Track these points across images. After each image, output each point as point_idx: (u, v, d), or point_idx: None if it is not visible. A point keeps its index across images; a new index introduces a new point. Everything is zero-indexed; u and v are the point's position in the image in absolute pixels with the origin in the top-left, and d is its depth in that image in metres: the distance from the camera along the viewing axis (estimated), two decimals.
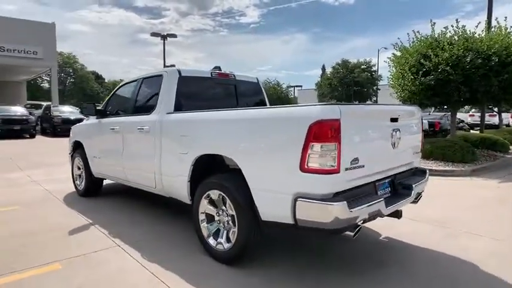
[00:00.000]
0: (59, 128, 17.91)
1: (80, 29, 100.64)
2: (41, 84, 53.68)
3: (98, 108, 5.19)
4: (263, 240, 3.59)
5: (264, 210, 2.84)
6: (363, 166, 2.70)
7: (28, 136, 17.34)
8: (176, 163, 3.67)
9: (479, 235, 4.04)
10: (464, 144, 9.17)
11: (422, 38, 10.07)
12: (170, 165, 3.78)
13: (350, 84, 41.74)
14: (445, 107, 10.50)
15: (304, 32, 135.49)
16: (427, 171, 3.81)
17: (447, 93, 9.17)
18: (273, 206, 2.77)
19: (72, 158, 6.05)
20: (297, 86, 53.73)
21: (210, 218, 3.38)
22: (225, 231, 3.23)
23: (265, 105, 5.08)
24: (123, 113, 4.84)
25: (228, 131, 3.12)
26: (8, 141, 15.51)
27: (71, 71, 58.09)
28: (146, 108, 4.30)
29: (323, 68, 59.03)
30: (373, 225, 4.23)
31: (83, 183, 5.76)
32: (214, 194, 3.24)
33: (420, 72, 9.31)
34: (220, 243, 3.23)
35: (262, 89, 5.22)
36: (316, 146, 2.47)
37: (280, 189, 2.69)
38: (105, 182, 5.98)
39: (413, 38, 10.30)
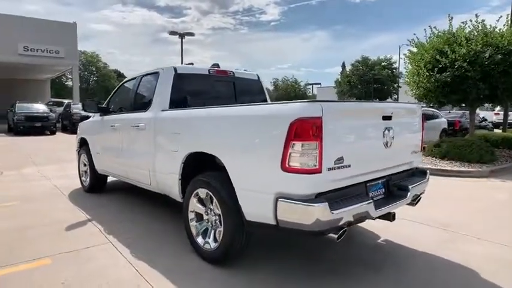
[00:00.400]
0: (77, 125, 18.36)
1: (104, 28, 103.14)
2: (65, 83, 55.36)
3: (100, 105, 5.25)
4: (254, 241, 3.53)
5: (247, 210, 2.77)
6: (349, 166, 2.58)
7: (49, 133, 17.90)
8: (168, 160, 3.65)
9: (482, 240, 3.82)
10: (483, 143, 8.78)
11: (439, 33, 9.68)
12: (163, 162, 3.76)
13: (370, 82, 40.85)
14: (463, 104, 10.07)
15: (325, 29, 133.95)
16: (428, 172, 3.63)
17: (464, 91, 8.79)
18: (255, 206, 2.69)
19: (79, 154, 6.16)
20: (315, 84, 53.30)
21: (199, 217, 3.34)
22: (213, 231, 3.18)
23: (266, 102, 5.00)
24: (123, 110, 4.87)
25: (212, 129, 3.07)
26: (29, 137, 16.09)
27: (94, 69, 59.56)
28: (143, 105, 4.31)
29: (343, 66, 58.04)
30: (372, 226, 4.10)
31: (88, 180, 5.85)
32: (202, 192, 3.20)
33: (436, 69, 8.96)
34: (208, 242, 3.18)
35: (263, 85, 5.14)
36: (297, 145, 2.37)
37: (262, 188, 2.61)
38: (110, 179, 6.06)
39: (430, 34, 9.93)
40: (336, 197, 2.54)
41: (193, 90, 4.30)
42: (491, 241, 3.78)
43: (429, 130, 12.76)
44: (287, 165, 2.42)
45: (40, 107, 18.88)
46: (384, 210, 2.85)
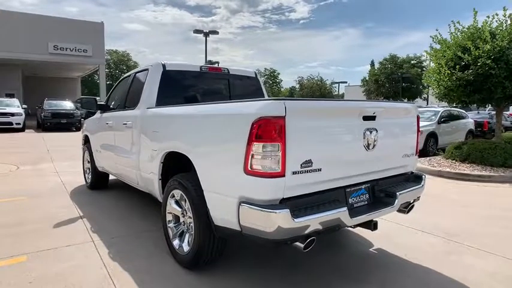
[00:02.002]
0: None
1: (136, 28, 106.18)
2: (98, 81, 57.43)
3: (98, 103, 5.27)
4: (235, 247, 3.39)
5: (214, 214, 2.62)
6: (320, 170, 2.38)
7: (74, 129, 18.53)
8: (150, 160, 3.57)
9: (489, 253, 3.47)
10: (508, 146, 8.15)
11: (464, 29, 9.07)
12: (146, 161, 3.69)
13: (398, 81, 39.45)
14: (489, 105, 9.39)
15: (356, 27, 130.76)
16: (424, 176, 3.33)
17: (489, 90, 8.18)
18: (221, 209, 2.55)
19: (83, 151, 6.25)
20: (342, 82, 52.14)
21: (176, 219, 3.23)
22: (187, 234, 3.06)
23: None
24: (117, 108, 4.86)
25: (183, 128, 2.95)
26: (54, 133, 16.71)
27: (125, 68, 61.38)
28: (133, 103, 4.26)
29: (372, 64, 56.47)
30: (369, 234, 3.84)
31: (90, 177, 5.91)
32: (177, 194, 3.09)
33: (457, 67, 8.40)
34: (181, 246, 3.07)
35: (261, 83, 4.96)
36: (258, 146, 2.20)
37: (226, 192, 2.46)
38: (113, 177, 6.11)
39: (455, 30, 9.32)
40: (304, 204, 2.35)
41: (183, 87, 4.20)
42: (499, 255, 3.43)
43: (454, 131, 12.12)
44: (249, 168, 2.26)
45: (67, 104, 19.58)
46: (363, 218, 2.61)
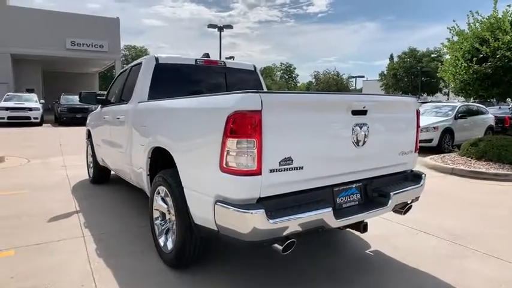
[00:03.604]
0: None
1: (155, 23, 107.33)
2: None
3: (98, 97, 5.25)
4: (223, 247, 3.28)
5: (194, 212, 2.52)
6: (301, 168, 2.23)
7: None
8: (138, 155, 3.50)
9: (494, 257, 3.24)
10: None
11: (483, 19, 8.61)
12: (136, 156, 3.62)
13: (417, 75, 38.30)
14: (509, 99, 8.92)
15: (375, 21, 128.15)
16: (424, 175, 3.12)
17: (508, 83, 7.76)
18: (200, 208, 2.44)
19: (87, 145, 6.27)
20: (359, 77, 51.16)
21: (163, 216, 3.15)
22: (171, 232, 2.97)
23: None
24: (115, 102, 4.81)
25: (165, 123, 2.85)
26: (70, 127, 17.04)
27: None
28: (127, 97, 4.19)
29: (391, 57, 55.10)
30: (365, 234, 3.65)
31: (92, 171, 5.93)
32: (162, 190, 3.00)
33: (475, 59, 8.00)
34: (166, 244, 2.98)
35: (260, 77, 4.81)
36: (233, 142, 2.07)
37: (203, 189, 2.35)
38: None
39: (474, 20, 8.87)
40: (284, 204, 2.21)
41: (177, 81, 4.09)
42: (506, 260, 3.19)
43: (472, 127, 11.61)
44: (224, 165, 2.14)
45: None
46: (351, 219, 2.45)
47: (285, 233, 2.14)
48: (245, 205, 2.07)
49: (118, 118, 4.11)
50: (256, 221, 2.03)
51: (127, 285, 2.68)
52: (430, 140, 10.15)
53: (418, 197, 3.08)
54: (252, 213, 2.02)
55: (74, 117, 18.10)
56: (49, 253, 3.21)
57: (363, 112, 2.52)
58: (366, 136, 2.54)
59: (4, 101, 17.82)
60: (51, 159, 8.50)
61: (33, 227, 3.86)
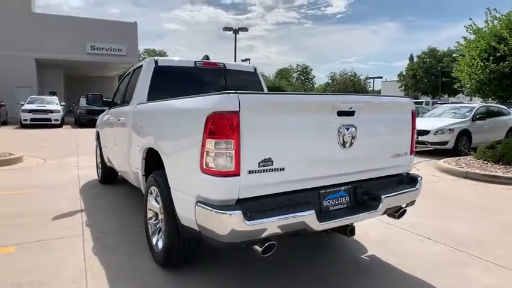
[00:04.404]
0: None
1: (174, 27, 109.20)
2: None
3: (104, 99, 5.37)
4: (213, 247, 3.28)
5: (179, 213, 2.54)
6: (282, 169, 2.21)
7: None
8: (136, 155, 3.56)
9: (500, 266, 3.10)
10: None
11: (501, 16, 8.30)
12: (133, 157, 3.69)
13: (437, 75, 37.29)
14: None
15: (396, 21, 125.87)
16: (420, 178, 3.03)
17: None
18: (184, 208, 2.45)
19: (96, 146, 6.43)
20: (377, 77, 50.24)
21: (156, 216, 3.19)
22: (161, 232, 3.00)
23: None
24: (119, 104, 4.91)
25: (154, 124, 2.90)
26: (87, 129, 17.47)
27: None
28: (128, 99, 4.28)
29: (411, 58, 53.94)
30: (364, 238, 3.60)
31: (100, 171, 6.07)
32: (154, 190, 3.04)
33: (491, 58, 7.72)
34: (157, 243, 3.02)
35: (261, 79, 4.81)
36: (212, 143, 2.08)
37: (186, 190, 2.37)
38: None
39: (492, 18, 8.55)
40: (265, 205, 2.19)
41: (176, 83, 4.14)
42: (509, 269, 3.05)
43: (492, 129, 11.19)
44: (204, 166, 2.14)
45: None
46: (336, 222, 2.41)
47: (263, 235, 2.12)
48: (223, 206, 2.07)
49: (119, 119, 4.20)
50: (233, 222, 2.03)
51: (117, 284, 2.73)
52: (446, 143, 9.85)
53: (414, 201, 2.99)
54: (228, 214, 2.02)
55: (92, 119, 18.47)
56: (48, 250, 3.31)
57: (350, 113, 2.47)
58: (353, 138, 2.49)
59: (28, 103, 18.51)
60: (66, 159, 8.77)
61: (37, 224, 3.98)
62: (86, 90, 27.67)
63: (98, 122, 6.33)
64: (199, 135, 2.15)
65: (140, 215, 4.32)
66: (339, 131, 2.42)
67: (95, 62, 25.79)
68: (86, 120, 18.49)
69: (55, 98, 20.23)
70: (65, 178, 6.49)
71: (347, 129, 2.45)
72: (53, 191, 5.53)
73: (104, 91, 30.27)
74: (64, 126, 18.93)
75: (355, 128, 2.49)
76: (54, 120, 18.10)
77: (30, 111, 17.79)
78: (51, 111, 18.21)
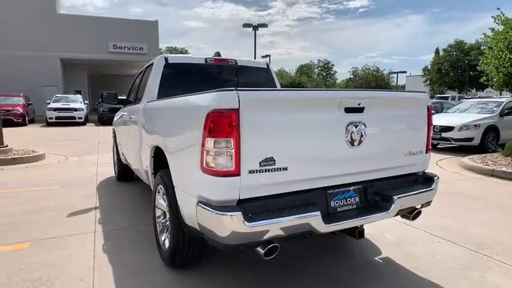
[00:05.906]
0: None
1: (196, 25, 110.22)
2: None
3: (119, 97, 5.43)
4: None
5: (183, 212, 2.50)
6: (285, 169, 2.12)
7: None
8: (146, 153, 3.55)
9: None
10: None
11: None
12: (144, 155, 3.69)
13: (464, 69, 35.82)
14: None
15: (421, 13, 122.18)
16: (437, 178, 2.86)
17: None
18: (187, 208, 2.41)
19: (113, 144, 6.53)
20: (401, 72, 48.82)
21: (164, 214, 3.17)
22: (168, 231, 2.98)
23: None
24: (132, 102, 4.95)
25: (159, 122, 2.86)
26: (109, 127, 17.84)
27: None
28: (140, 96, 4.29)
29: (436, 51, 52.09)
30: (378, 240, 3.47)
31: (117, 168, 6.16)
32: (161, 189, 3.02)
33: None
34: (164, 242, 3.00)
35: (274, 74, 4.71)
36: (211, 142, 2.02)
37: (188, 189, 2.33)
38: None
39: None
40: (267, 206, 2.12)
41: (187, 80, 4.11)
42: None
43: None
44: (204, 166, 2.09)
45: None
46: (344, 224, 2.30)
47: (265, 237, 2.05)
48: (223, 207, 2.01)
49: (131, 117, 4.22)
50: (233, 224, 1.96)
51: (123, 281, 2.73)
52: (471, 139, 9.43)
53: (430, 201, 2.83)
54: (228, 215, 1.96)
55: (112, 117, 18.98)
56: (60, 247, 3.36)
57: (359, 110, 2.35)
58: (362, 136, 2.36)
59: (53, 102, 19.13)
60: (87, 156, 8.98)
61: (52, 221, 4.07)
62: (109, 88, 28.35)
63: (114, 120, 6.42)
64: (199, 134, 2.09)
65: (151, 213, 4.36)
66: (346, 129, 2.31)
67: (117, 61, 26.32)
68: (109, 118, 18.87)
69: (79, 97, 20.81)
70: (83, 175, 6.64)
71: (356, 126, 2.33)
72: (70, 187, 5.66)
73: (127, 89, 31.00)
74: (88, 124, 19.44)
75: (365, 125, 2.37)
76: (78, 118, 18.63)
77: (55, 109, 18.38)
78: (75, 110, 18.74)
